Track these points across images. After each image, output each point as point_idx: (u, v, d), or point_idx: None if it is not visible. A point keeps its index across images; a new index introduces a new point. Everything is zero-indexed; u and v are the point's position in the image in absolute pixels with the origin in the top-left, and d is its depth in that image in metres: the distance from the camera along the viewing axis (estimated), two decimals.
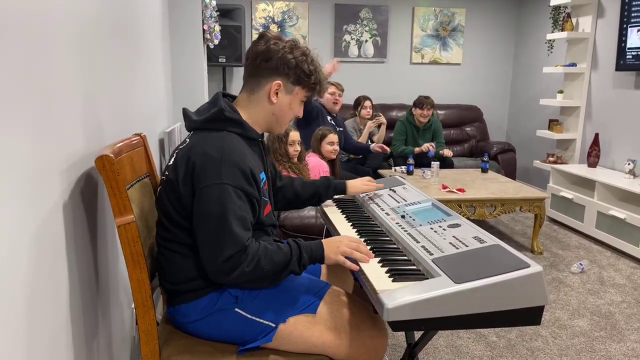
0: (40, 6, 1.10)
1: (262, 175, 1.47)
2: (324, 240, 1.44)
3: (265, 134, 2.95)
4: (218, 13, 3.74)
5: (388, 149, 4.47)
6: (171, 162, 1.42)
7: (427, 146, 4.64)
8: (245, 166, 1.35)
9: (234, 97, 1.55)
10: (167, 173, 1.42)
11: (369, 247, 1.48)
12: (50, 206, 1.14)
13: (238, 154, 1.36)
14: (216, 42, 3.73)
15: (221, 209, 1.29)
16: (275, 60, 1.44)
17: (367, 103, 4.85)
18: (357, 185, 1.94)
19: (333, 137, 3.50)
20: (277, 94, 1.47)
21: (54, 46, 1.18)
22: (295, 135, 3.06)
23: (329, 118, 4.23)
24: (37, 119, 1.08)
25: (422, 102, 4.74)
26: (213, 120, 1.42)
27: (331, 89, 4.27)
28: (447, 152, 4.76)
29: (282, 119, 1.53)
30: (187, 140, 1.44)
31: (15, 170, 0.97)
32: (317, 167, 3.30)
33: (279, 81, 1.45)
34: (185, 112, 1.50)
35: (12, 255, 0.96)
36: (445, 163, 4.73)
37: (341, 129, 4.37)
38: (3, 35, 0.92)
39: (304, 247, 1.40)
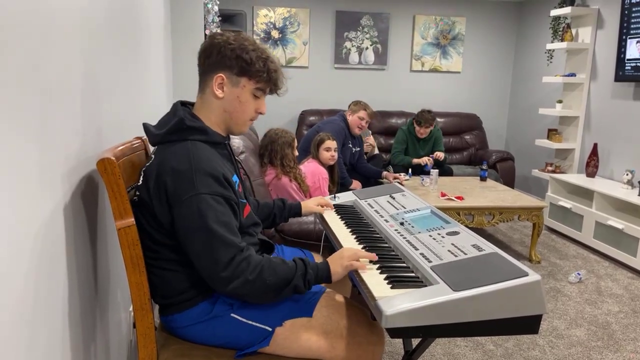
0: (45, 10, 1.11)
1: (235, 179, 1.45)
2: (328, 259, 1.43)
3: (260, 135, 2.94)
4: (220, 18, 3.76)
5: (401, 178, 4.31)
6: (140, 182, 1.38)
7: (425, 160, 4.64)
8: (216, 172, 1.32)
9: (193, 104, 1.51)
10: (138, 193, 1.38)
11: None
12: (51, 208, 1.14)
13: (206, 162, 1.33)
14: None
15: (203, 219, 1.27)
16: (215, 55, 1.40)
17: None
18: (310, 205, 1.96)
19: (330, 143, 3.49)
20: (222, 88, 1.41)
21: (57, 49, 1.19)
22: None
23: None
24: (40, 121, 1.08)
25: (421, 120, 4.69)
26: (175, 132, 1.38)
27: (362, 113, 4.16)
28: (439, 154, 4.70)
29: (236, 115, 1.46)
30: (152, 156, 1.40)
31: (17, 172, 0.97)
32: (316, 174, 3.29)
33: (220, 74, 1.40)
34: (145, 127, 1.44)
35: (13, 257, 0.96)
36: (444, 171, 4.74)
37: (358, 149, 4.35)
38: (7, 38, 0.93)
39: (309, 265, 1.37)
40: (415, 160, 4.69)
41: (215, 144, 1.44)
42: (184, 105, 1.48)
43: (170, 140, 1.38)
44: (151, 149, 1.49)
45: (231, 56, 1.39)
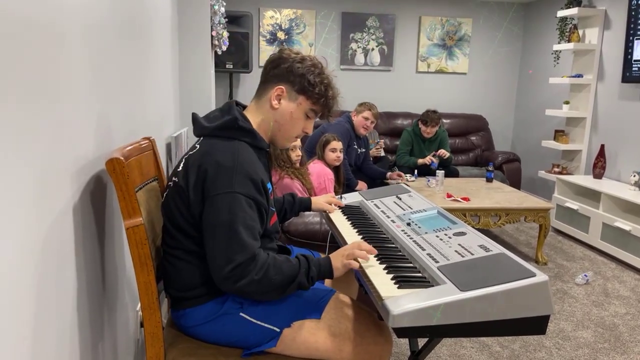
0: (54, 12, 1.12)
1: (269, 186, 1.48)
2: (330, 255, 1.44)
3: None
4: (226, 20, 3.77)
5: (404, 178, 4.32)
6: (180, 168, 1.41)
7: (430, 158, 4.64)
8: (256, 176, 1.36)
9: (244, 107, 1.55)
10: (175, 179, 1.41)
11: (374, 255, 1.48)
12: (60, 208, 1.15)
13: (249, 164, 1.36)
14: (224, 48, 3.76)
15: (231, 217, 1.29)
16: (282, 67, 1.46)
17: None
18: (320, 201, 1.97)
19: (336, 144, 3.50)
20: (279, 100, 1.47)
21: (65, 50, 1.20)
22: (296, 140, 3.07)
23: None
24: (49, 122, 1.09)
25: (427, 119, 4.70)
26: (225, 128, 1.42)
27: (367, 113, 4.15)
28: (443, 151, 4.69)
29: (284, 129, 1.51)
30: (197, 146, 1.44)
31: (26, 172, 0.98)
32: (322, 175, 3.30)
33: (281, 86, 1.46)
34: (195, 117, 1.50)
35: (23, 256, 0.97)
36: (450, 172, 4.73)
37: (363, 149, 4.35)
38: (17, 41, 0.94)
39: (312, 261, 1.39)
40: (421, 161, 4.69)
41: (259, 149, 1.48)
42: (237, 105, 1.52)
43: (218, 135, 1.42)
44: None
45: (297, 73, 1.45)
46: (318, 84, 1.46)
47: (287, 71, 1.46)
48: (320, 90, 1.47)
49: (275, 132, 1.51)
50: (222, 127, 1.42)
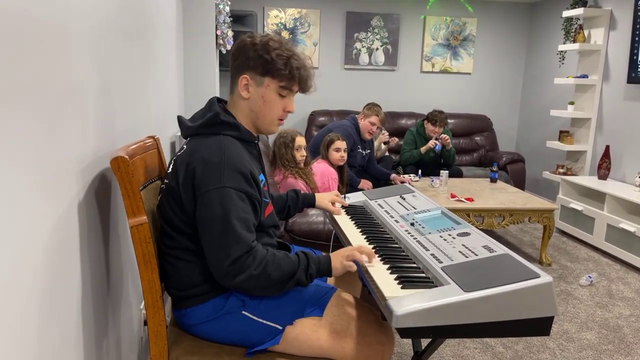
0: (60, 14, 1.13)
1: (261, 177, 1.48)
2: (331, 254, 1.44)
3: (271, 138, 2.96)
4: (231, 19, 3.78)
5: (406, 180, 4.32)
6: (170, 169, 1.42)
7: (433, 142, 4.61)
8: (245, 169, 1.36)
9: (226, 103, 1.55)
10: (166, 180, 1.42)
11: (378, 254, 1.49)
12: (65, 206, 1.16)
13: (237, 157, 1.36)
14: (229, 47, 3.75)
15: (224, 212, 1.30)
16: (241, 57, 1.44)
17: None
18: (325, 201, 1.95)
19: (340, 144, 3.50)
20: (247, 89, 1.45)
21: (71, 49, 1.20)
22: (301, 140, 3.07)
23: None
24: (55, 121, 1.10)
25: (436, 119, 4.65)
26: (209, 125, 1.42)
27: (374, 119, 4.11)
28: (444, 137, 4.66)
29: (262, 115, 1.48)
30: (185, 146, 1.44)
31: (31, 171, 0.99)
32: (326, 174, 3.30)
33: (245, 75, 1.44)
34: (180, 119, 1.50)
35: (28, 254, 0.97)
36: (454, 172, 4.72)
37: (368, 151, 4.34)
38: (20, 37, 0.94)
39: (312, 258, 1.40)
40: (424, 148, 4.67)
41: (246, 142, 1.48)
42: (219, 101, 1.51)
43: (203, 133, 1.42)
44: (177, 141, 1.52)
45: (254, 57, 1.42)
46: (277, 58, 1.41)
47: (245, 59, 1.43)
48: (281, 65, 1.42)
49: (255, 121, 1.50)
50: (206, 124, 1.42)
